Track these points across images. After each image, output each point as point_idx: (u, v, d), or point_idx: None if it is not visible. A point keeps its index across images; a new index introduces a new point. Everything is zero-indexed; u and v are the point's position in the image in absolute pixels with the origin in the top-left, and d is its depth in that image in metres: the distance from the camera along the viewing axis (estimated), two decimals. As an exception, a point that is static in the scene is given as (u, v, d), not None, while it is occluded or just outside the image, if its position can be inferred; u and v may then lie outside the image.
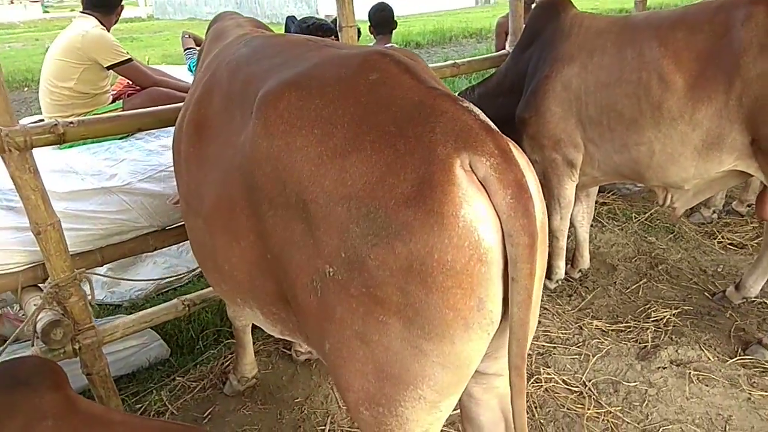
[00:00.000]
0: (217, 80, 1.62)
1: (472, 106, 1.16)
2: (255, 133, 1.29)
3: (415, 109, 1.14)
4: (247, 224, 1.39)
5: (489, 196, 1.07)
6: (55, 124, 2.18)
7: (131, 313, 3.53)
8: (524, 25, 3.51)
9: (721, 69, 2.52)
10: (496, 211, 1.08)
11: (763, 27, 2.44)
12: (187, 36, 5.27)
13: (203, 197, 1.54)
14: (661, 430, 2.37)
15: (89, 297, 2.50)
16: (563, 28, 3.02)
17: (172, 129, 3.24)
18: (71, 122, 2.21)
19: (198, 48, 5.29)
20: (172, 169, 3.07)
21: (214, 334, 3.47)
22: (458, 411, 1.59)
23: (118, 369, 3.10)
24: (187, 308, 2.72)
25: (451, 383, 1.19)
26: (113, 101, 3.50)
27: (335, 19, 3.92)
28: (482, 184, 1.07)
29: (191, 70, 4.90)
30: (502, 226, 1.08)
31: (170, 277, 4.30)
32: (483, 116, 1.15)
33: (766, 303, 3.14)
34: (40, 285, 2.76)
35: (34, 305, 2.46)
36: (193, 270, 4.57)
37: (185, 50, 5.25)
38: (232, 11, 2.43)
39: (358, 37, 3.32)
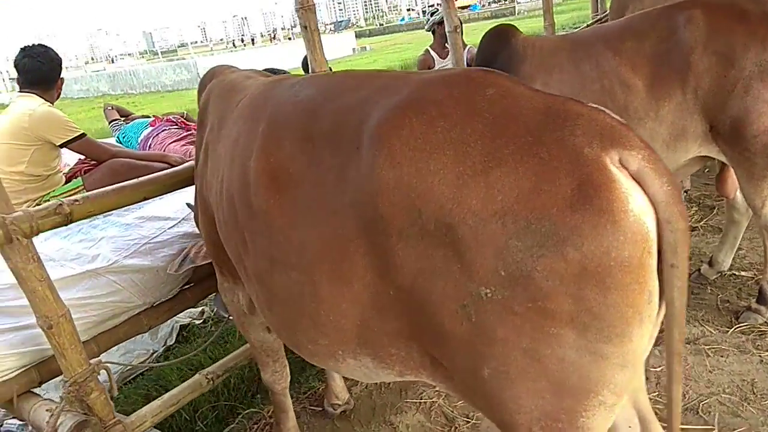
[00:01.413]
0: (283, 126, 1.56)
1: (600, 107, 1.21)
2: (376, 165, 1.25)
3: (545, 116, 1.16)
4: (362, 263, 1.33)
5: (643, 188, 1.10)
6: (60, 204, 1.99)
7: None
8: (475, 56, 3.70)
9: (674, 68, 2.80)
10: (651, 201, 1.10)
11: (704, 27, 2.74)
12: (110, 108, 5.06)
13: (299, 247, 1.46)
14: (701, 405, 2.49)
15: (109, 389, 2.26)
16: (518, 52, 3.21)
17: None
18: (76, 200, 2.03)
19: (123, 119, 5.08)
20: (156, 240, 2.91)
21: (210, 410, 3.24)
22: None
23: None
24: (211, 382, 2.53)
25: (627, 382, 1.18)
26: (67, 181, 3.25)
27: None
28: (634, 178, 1.10)
29: (120, 141, 4.68)
30: (657, 216, 1.11)
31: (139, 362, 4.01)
32: (614, 114, 1.20)
33: (736, 274, 3.43)
34: (34, 390, 2.47)
35: (47, 411, 2.19)
36: (155, 351, 4.29)
37: (110, 122, 5.02)
38: (226, 65, 2.36)
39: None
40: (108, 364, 2.25)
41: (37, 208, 1.96)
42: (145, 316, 2.82)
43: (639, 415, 1.50)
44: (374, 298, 1.35)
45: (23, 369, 2.39)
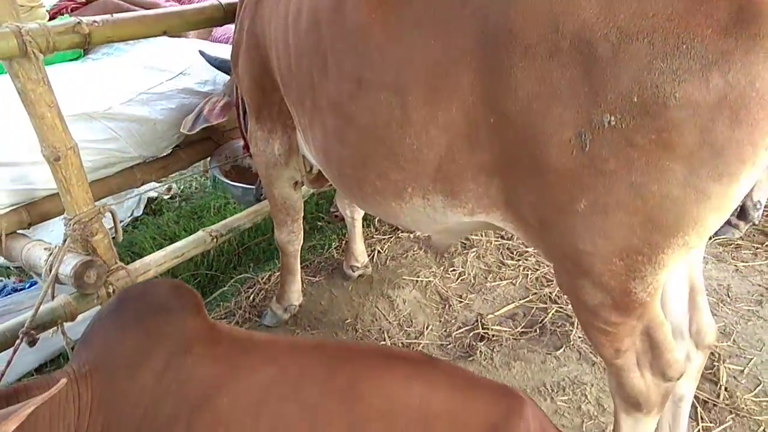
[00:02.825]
0: None
1: None
2: None
3: None
4: (469, 83, 1.25)
5: None
6: (79, 23, 1.79)
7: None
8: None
9: None
10: None
11: None
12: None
13: (397, 65, 1.35)
14: (682, 302, 2.65)
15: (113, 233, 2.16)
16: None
17: (138, 46, 2.85)
18: (95, 21, 1.83)
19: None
20: (154, 91, 2.72)
21: (191, 278, 3.19)
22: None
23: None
24: (214, 240, 2.46)
25: (714, 226, 1.17)
26: (51, 18, 2.95)
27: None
28: None
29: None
30: None
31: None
32: None
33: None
34: (22, 231, 2.34)
35: (45, 249, 2.08)
36: (121, 221, 4.15)
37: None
38: None
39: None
40: (113, 207, 2.13)
41: (53, 23, 1.76)
42: (138, 170, 2.69)
43: (690, 284, 1.54)
44: (470, 124, 1.28)
45: (12, 207, 2.25)
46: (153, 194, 4.42)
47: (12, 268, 3.69)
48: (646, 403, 1.44)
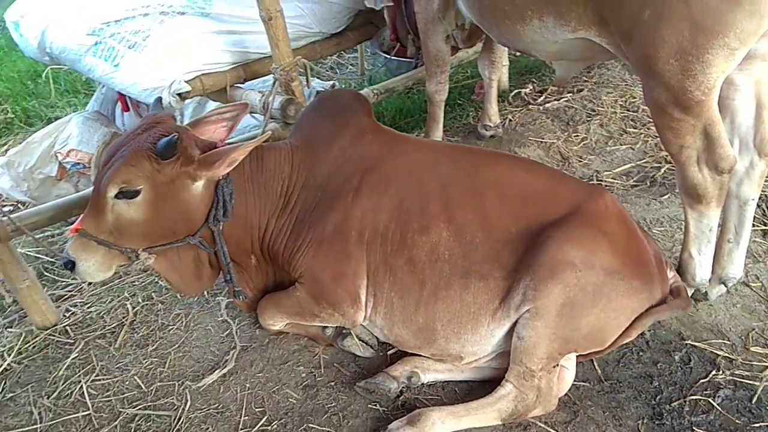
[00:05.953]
0: None
1: None
2: None
3: None
4: None
5: None
6: None
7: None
8: None
9: None
10: None
11: None
12: None
13: None
14: None
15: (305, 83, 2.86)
16: None
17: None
18: None
19: None
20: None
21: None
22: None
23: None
24: (376, 96, 3.10)
25: (751, 32, 1.54)
26: None
27: None
28: None
29: None
30: None
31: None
32: None
33: None
34: (240, 85, 3.13)
35: (259, 92, 2.84)
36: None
37: None
38: None
39: None
40: (305, 61, 2.82)
41: None
42: (319, 45, 3.36)
43: (757, 102, 1.85)
44: None
45: (233, 65, 3.02)
46: (321, 88, 5.22)
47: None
48: (705, 195, 1.84)
